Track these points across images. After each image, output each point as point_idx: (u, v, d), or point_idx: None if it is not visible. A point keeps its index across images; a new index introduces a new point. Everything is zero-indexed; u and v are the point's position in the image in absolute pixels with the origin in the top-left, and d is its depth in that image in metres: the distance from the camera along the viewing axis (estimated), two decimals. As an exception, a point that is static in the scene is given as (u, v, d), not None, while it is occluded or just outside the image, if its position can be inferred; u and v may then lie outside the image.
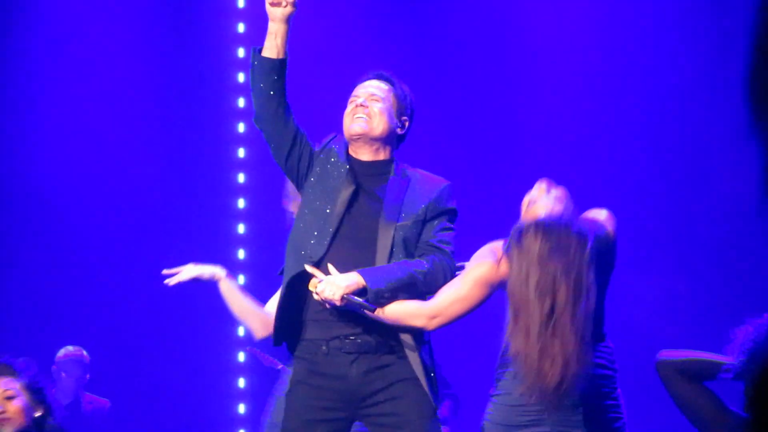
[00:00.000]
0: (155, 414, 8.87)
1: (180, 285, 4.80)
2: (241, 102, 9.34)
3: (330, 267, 4.14)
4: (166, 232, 9.02)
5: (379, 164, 4.44)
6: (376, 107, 4.43)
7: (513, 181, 6.03)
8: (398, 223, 4.28)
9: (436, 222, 4.34)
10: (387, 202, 4.32)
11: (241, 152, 9.30)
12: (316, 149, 4.46)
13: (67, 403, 7.98)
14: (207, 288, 4.88)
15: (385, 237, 4.25)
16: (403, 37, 8.78)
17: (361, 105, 4.43)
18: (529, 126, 8.67)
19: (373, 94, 4.47)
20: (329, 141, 4.49)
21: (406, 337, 4.20)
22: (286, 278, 4.27)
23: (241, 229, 9.26)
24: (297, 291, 4.24)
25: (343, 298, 4.08)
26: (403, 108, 4.51)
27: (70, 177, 8.98)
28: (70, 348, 8.28)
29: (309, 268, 4.14)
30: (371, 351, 4.20)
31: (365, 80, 4.55)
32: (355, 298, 4.08)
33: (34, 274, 8.99)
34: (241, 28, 9.39)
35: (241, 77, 9.37)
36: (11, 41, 9.06)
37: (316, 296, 4.12)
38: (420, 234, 4.31)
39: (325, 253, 4.21)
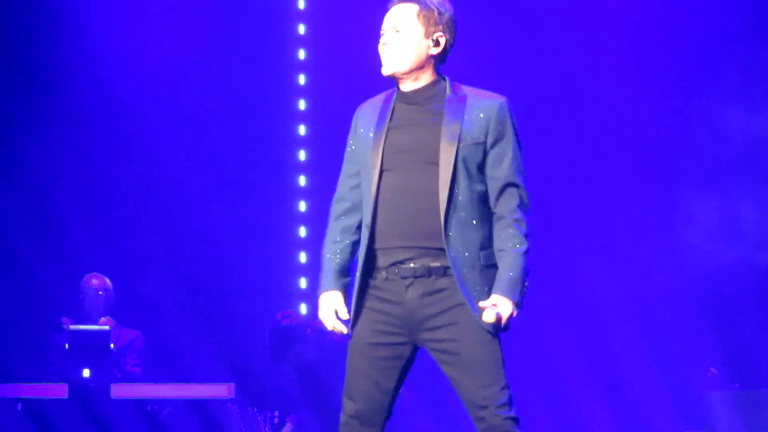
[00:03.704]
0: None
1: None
2: (302, 104, 9.53)
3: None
4: (233, 213, 9.35)
5: (424, 89, 4.33)
6: (400, 41, 4.31)
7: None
8: (460, 143, 4.19)
9: (502, 145, 4.26)
10: (447, 122, 4.22)
11: (302, 155, 9.54)
12: (354, 136, 4.44)
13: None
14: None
15: (448, 156, 4.18)
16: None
17: (384, 43, 4.35)
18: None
19: (392, 25, 4.34)
20: (356, 118, 4.46)
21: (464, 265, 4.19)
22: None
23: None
24: (363, 235, 4.28)
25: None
26: (433, 25, 4.32)
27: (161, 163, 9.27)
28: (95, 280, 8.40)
29: None
30: (425, 275, 4.17)
31: (389, 7, 4.40)
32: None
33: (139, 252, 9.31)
34: (301, 29, 9.58)
35: (301, 79, 9.55)
36: (93, 46, 9.28)
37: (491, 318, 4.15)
38: (485, 157, 4.24)
39: (377, 191, 4.23)
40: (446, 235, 4.17)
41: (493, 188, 4.27)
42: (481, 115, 4.26)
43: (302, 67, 9.57)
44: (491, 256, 4.24)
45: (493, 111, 4.28)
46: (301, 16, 9.60)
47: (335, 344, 7.51)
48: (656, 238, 9.02)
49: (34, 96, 9.27)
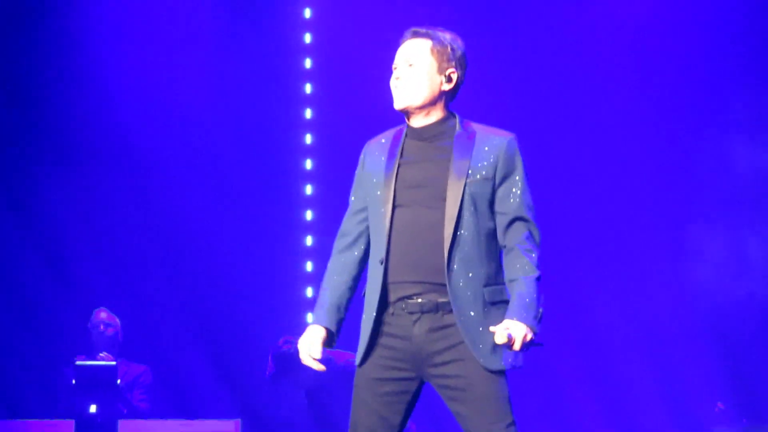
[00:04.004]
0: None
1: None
2: (308, 113, 9.54)
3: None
4: (240, 220, 9.35)
5: (435, 125, 4.33)
6: (413, 76, 4.31)
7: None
8: (467, 179, 4.19)
9: (511, 181, 4.27)
10: (455, 159, 4.22)
11: (309, 163, 9.53)
12: (361, 172, 4.43)
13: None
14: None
15: (455, 192, 4.18)
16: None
17: (397, 77, 4.33)
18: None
19: (405, 59, 4.33)
20: (364, 155, 4.44)
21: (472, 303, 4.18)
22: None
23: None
24: (373, 270, 4.27)
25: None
26: (446, 61, 4.33)
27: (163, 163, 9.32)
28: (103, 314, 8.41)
29: None
30: (432, 310, 4.16)
31: (402, 41, 4.39)
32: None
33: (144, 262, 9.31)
34: (308, 38, 9.59)
35: (308, 88, 9.56)
36: (90, 52, 9.30)
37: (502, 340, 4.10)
38: (493, 193, 4.24)
39: (390, 226, 4.23)
40: (449, 270, 4.16)
41: (501, 223, 4.26)
42: (490, 151, 4.26)
43: (309, 75, 9.59)
44: (498, 293, 4.23)
45: (502, 148, 4.28)
46: (308, 26, 9.62)
47: (337, 372, 7.52)
48: (664, 272, 9.01)
49: (44, 130, 9.31)
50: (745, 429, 7.85)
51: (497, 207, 4.26)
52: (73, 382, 7.84)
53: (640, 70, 9.03)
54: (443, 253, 4.17)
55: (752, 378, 8.55)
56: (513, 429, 4.15)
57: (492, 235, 4.26)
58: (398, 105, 4.33)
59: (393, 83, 4.35)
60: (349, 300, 4.41)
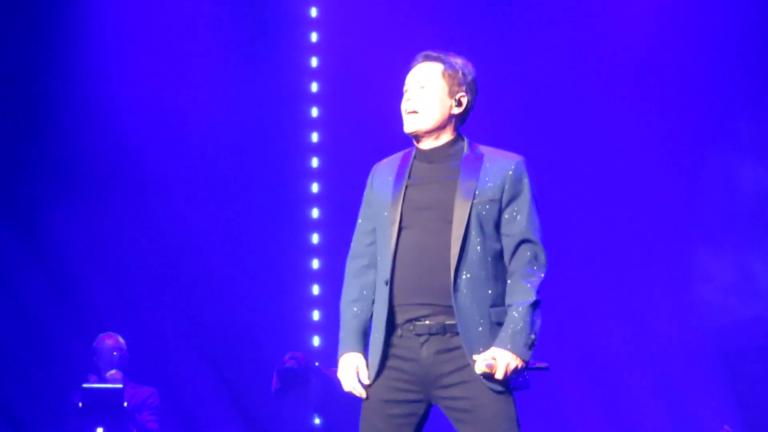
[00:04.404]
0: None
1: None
2: (315, 112, 9.54)
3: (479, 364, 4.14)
4: (245, 219, 9.39)
5: (443, 148, 4.35)
6: (424, 99, 4.33)
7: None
8: (474, 200, 4.21)
9: (518, 203, 4.27)
10: (462, 180, 4.24)
11: (315, 162, 9.53)
12: (368, 194, 4.46)
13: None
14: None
15: (461, 213, 4.19)
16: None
17: (408, 99, 4.35)
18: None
19: (418, 82, 4.36)
20: (372, 177, 4.47)
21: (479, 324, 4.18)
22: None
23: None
24: (380, 291, 4.27)
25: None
26: (457, 85, 4.37)
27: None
28: (108, 339, 8.39)
29: None
30: (440, 333, 4.18)
31: (414, 65, 4.42)
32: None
33: (144, 262, 9.34)
34: (314, 37, 9.59)
35: (314, 86, 9.56)
36: (96, 54, 9.34)
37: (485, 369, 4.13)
38: (500, 215, 4.25)
39: (396, 247, 4.24)
40: (455, 290, 4.17)
41: (508, 245, 4.27)
42: (497, 173, 4.28)
43: (315, 74, 9.60)
44: (504, 314, 4.22)
45: (509, 169, 4.29)
46: (314, 25, 9.63)
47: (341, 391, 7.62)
48: (670, 294, 8.99)
49: (47, 146, 9.33)
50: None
51: (503, 229, 4.28)
52: (80, 405, 7.84)
53: (648, 92, 9.04)
54: (450, 274, 4.18)
55: (759, 400, 8.54)
56: (521, 449, 4.16)
57: (499, 256, 4.27)
58: (409, 129, 4.36)
59: (404, 105, 4.37)
60: (369, 323, 4.41)
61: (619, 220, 9.00)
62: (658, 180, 9.02)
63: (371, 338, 4.31)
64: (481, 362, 4.14)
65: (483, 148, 4.38)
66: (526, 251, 4.26)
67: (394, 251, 4.25)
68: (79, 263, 9.19)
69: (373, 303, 4.38)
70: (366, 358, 4.34)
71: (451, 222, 4.21)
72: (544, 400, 8.50)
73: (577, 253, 8.87)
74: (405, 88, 4.39)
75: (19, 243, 9.17)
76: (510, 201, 4.28)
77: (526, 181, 4.31)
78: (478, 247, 4.21)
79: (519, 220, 4.27)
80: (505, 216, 4.28)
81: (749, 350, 8.77)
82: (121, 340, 8.46)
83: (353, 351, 4.35)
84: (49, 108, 9.32)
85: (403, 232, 4.26)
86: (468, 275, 4.19)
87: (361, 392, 4.31)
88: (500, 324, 4.20)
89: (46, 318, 9.09)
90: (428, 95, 4.34)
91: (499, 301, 4.24)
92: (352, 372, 4.32)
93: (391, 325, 4.26)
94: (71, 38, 9.37)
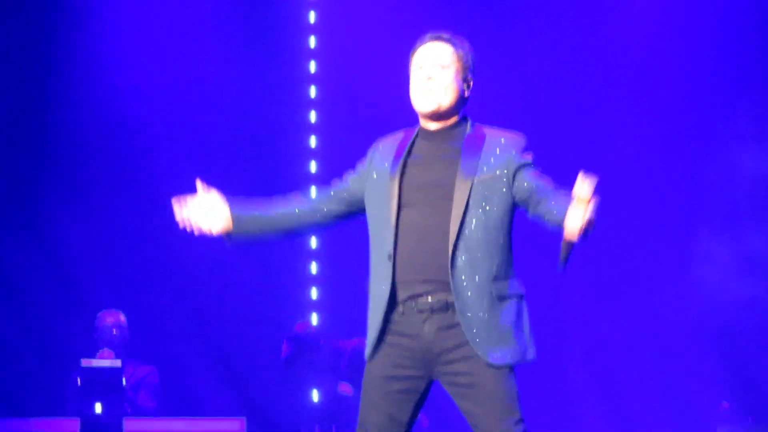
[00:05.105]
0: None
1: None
2: (313, 116, 9.57)
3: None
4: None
5: (448, 128, 4.35)
6: (445, 78, 4.33)
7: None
8: (476, 178, 4.21)
9: (525, 170, 4.26)
10: (464, 159, 4.23)
11: (313, 166, 9.55)
12: (363, 169, 4.45)
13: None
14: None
15: (462, 193, 4.18)
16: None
17: (429, 78, 4.33)
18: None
19: (438, 61, 4.34)
20: (372, 152, 4.46)
21: (482, 299, 4.16)
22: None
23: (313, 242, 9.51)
24: (380, 266, 4.26)
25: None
26: (467, 69, 4.38)
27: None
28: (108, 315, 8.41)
29: None
30: (442, 310, 4.16)
31: (424, 43, 4.39)
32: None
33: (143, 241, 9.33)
34: (312, 42, 9.62)
35: (312, 91, 9.58)
36: (95, 54, 9.33)
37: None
38: (508, 186, 4.23)
39: (397, 224, 4.22)
40: (452, 267, 4.16)
41: (525, 192, 4.24)
42: (500, 151, 4.28)
43: (313, 79, 9.61)
44: (505, 288, 4.21)
45: (511, 146, 4.30)
46: (312, 29, 9.64)
47: (348, 353, 7.64)
48: (671, 274, 9.02)
49: (45, 132, 9.33)
50: (750, 428, 7.86)
51: (516, 190, 4.25)
52: (79, 383, 7.85)
53: (646, 75, 9.04)
54: (448, 252, 4.18)
55: (758, 377, 8.57)
56: (522, 426, 4.15)
57: (500, 231, 4.25)
58: (429, 107, 4.33)
59: (424, 83, 4.33)
60: (260, 217, 4.46)
61: (620, 202, 9.01)
62: (657, 162, 9.03)
63: (370, 312, 4.29)
64: (573, 215, 4.01)
65: (485, 128, 4.37)
66: (549, 185, 4.23)
67: (396, 228, 4.23)
68: (78, 242, 9.19)
69: (286, 214, 4.43)
70: (232, 214, 4.45)
71: (451, 201, 4.20)
72: (543, 377, 8.52)
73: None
74: (419, 65, 4.35)
75: (15, 223, 9.16)
76: (516, 170, 4.25)
77: (530, 155, 4.31)
78: (479, 225, 4.20)
79: (530, 175, 4.26)
80: (516, 182, 4.25)
81: (748, 328, 8.80)
82: (123, 317, 8.46)
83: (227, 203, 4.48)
84: (45, 90, 9.31)
85: (403, 210, 4.25)
86: (467, 252, 4.17)
87: (182, 207, 4.56)
88: (500, 299, 4.18)
89: (43, 297, 9.08)
90: (448, 75, 4.32)
91: (500, 275, 4.22)
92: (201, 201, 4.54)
93: (392, 302, 4.24)
94: (74, 38, 9.35)
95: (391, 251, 4.23)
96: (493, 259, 4.21)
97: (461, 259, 4.17)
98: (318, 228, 4.57)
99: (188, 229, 4.53)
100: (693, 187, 9.05)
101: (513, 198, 4.26)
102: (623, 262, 8.98)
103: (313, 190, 4.54)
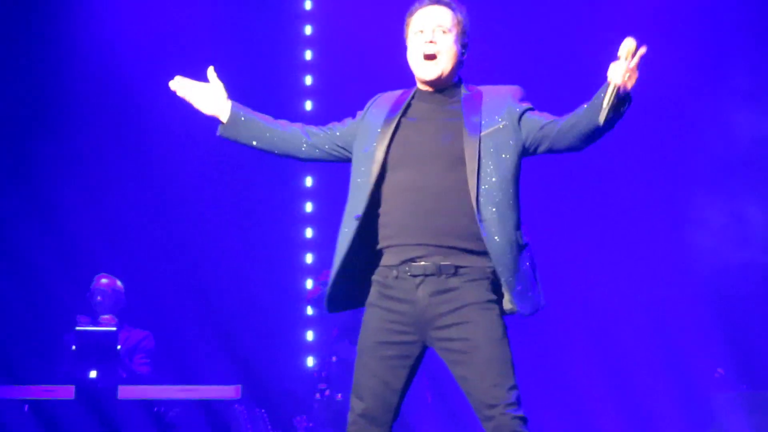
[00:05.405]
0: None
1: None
2: (309, 105, 9.58)
3: None
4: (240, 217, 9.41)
5: (447, 90, 4.37)
6: (446, 42, 4.35)
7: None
8: (482, 134, 4.23)
9: (527, 114, 4.30)
10: (467, 118, 4.24)
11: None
12: (356, 120, 4.49)
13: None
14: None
15: (472, 147, 4.19)
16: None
17: (431, 42, 4.33)
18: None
19: (440, 25, 4.35)
20: (370, 104, 4.48)
21: (481, 261, 4.19)
22: (347, 228, 4.28)
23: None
24: (364, 234, 4.25)
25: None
26: (465, 33, 4.40)
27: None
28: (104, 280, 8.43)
29: None
30: (435, 273, 4.16)
31: (424, 6, 4.41)
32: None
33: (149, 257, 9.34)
34: (308, 30, 9.62)
35: (308, 79, 9.58)
36: (101, 48, 9.34)
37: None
38: (515, 135, 4.26)
39: (380, 185, 4.24)
40: (481, 221, 4.15)
41: (536, 128, 4.27)
42: (499, 103, 4.30)
43: (309, 67, 9.58)
44: (522, 236, 4.23)
45: (509, 97, 4.33)
46: (308, 17, 9.63)
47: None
48: (665, 240, 9.02)
49: (41, 95, 9.30)
50: (744, 394, 7.87)
51: (530, 134, 4.28)
52: (74, 347, 7.85)
53: (640, 38, 9.00)
54: (451, 215, 4.18)
55: (752, 344, 8.58)
56: (516, 392, 4.15)
57: (513, 182, 4.27)
58: (432, 75, 4.33)
59: (426, 47, 4.33)
60: (258, 127, 4.72)
61: (614, 167, 9.00)
62: (652, 127, 9.00)
63: (374, 274, 4.27)
64: (617, 66, 4.11)
65: (480, 87, 4.40)
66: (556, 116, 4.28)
67: (373, 189, 4.24)
68: (74, 207, 9.19)
69: (276, 132, 4.67)
70: (234, 108, 4.76)
71: (458, 159, 4.20)
72: (538, 345, 8.53)
73: (573, 199, 8.88)
74: (419, 29, 4.35)
75: (10, 186, 9.14)
76: (521, 115, 4.30)
77: (527, 102, 4.35)
78: (495, 176, 4.20)
79: (536, 113, 4.31)
80: (523, 128, 4.28)
81: (742, 294, 8.81)
82: (119, 283, 8.46)
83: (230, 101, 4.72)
84: (40, 51, 9.28)
85: (389, 171, 4.26)
86: (493, 206, 4.17)
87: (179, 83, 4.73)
88: (520, 247, 4.20)
89: (37, 260, 9.08)
90: (449, 40, 4.34)
91: (519, 223, 4.24)
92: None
93: (382, 266, 4.25)
94: (71, 22, 9.37)
95: (360, 213, 4.24)
96: (513, 209, 4.24)
97: (490, 211, 4.17)
98: (302, 158, 4.65)
99: (178, 94, 4.76)
100: (688, 150, 9.04)
101: (524, 144, 4.29)
102: (618, 227, 8.97)
103: (316, 126, 4.63)
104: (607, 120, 4.10)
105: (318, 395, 8.20)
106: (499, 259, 4.15)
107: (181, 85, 4.68)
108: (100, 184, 9.33)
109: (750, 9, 8.99)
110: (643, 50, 4.13)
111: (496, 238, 4.15)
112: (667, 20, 9.04)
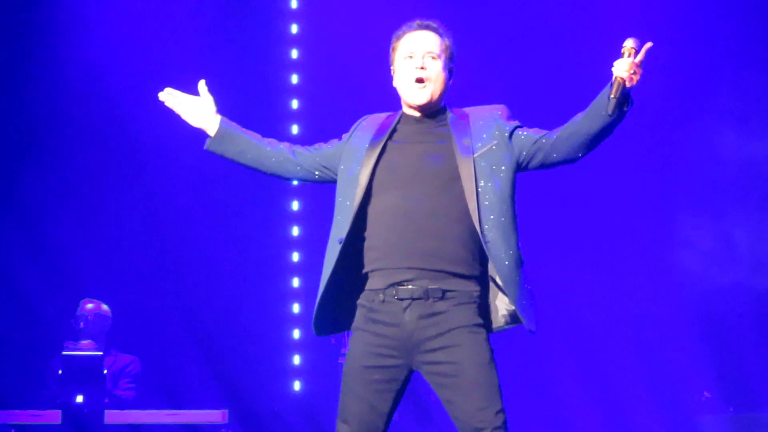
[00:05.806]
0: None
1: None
2: (295, 104, 9.53)
3: None
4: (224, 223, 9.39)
5: (434, 114, 4.39)
6: (436, 68, 4.38)
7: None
8: (475, 155, 4.24)
9: (517, 130, 4.33)
10: (457, 140, 4.26)
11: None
12: (342, 142, 4.48)
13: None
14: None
15: (467, 168, 4.21)
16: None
17: (423, 68, 4.36)
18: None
19: (429, 51, 4.38)
20: (356, 126, 4.49)
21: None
22: (332, 254, 4.28)
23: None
24: (351, 257, 4.25)
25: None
26: (452, 58, 4.43)
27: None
28: (90, 305, 8.40)
29: None
30: (423, 297, 4.16)
31: (413, 31, 4.44)
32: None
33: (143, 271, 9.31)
34: (294, 29, 9.57)
35: (294, 78, 9.53)
36: (86, 46, 9.30)
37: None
38: (508, 154, 4.29)
39: (365, 209, 4.26)
40: (485, 242, 4.17)
41: (529, 143, 4.31)
42: (487, 123, 4.33)
43: (295, 66, 9.56)
44: (520, 253, 4.25)
45: (496, 115, 4.37)
46: (294, 16, 9.60)
47: None
48: (652, 261, 9.03)
49: (31, 118, 9.29)
50: (731, 417, 7.87)
51: (523, 150, 4.32)
52: (60, 372, 7.82)
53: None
54: (453, 234, 4.20)
55: (738, 367, 8.58)
56: (502, 416, 4.14)
57: (510, 200, 4.29)
58: (422, 100, 4.37)
59: (417, 73, 4.36)
60: (245, 144, 4.62)
61: (602, 188, 9.01)
62: (640, 148, 9.02)
63: (359, 298, 4.28)
64: (621, 62, 4.17)
65: (464, 110, 4.42)
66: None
67: (359, 213, 4.24)
68: (62, 231, 9.17)
69: (261, 148, 4.58)
70: (220, 125, 4.72)
71: (451, 182, 4.22)
72: (526, 364, 8.52)
73: (561, 221, 8.88)
74: (408, 53, 4.39)
75: (1, 213, 9.12)
76: (511, 133, 4.33)
77: (515, 120, 4.39)
78: (493, 195, 4.22)
79: (527, 129, 4.36)
80: (515, 144, 4.32)
81: (730, 317, 8.81)
82: (105, 307, 8.44)
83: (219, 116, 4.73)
84: (30, 73, 9.27)
85: (375, 195, 4.26)
86: (495, 227, 4.19)
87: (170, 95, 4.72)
88: (520, 263, 4.23)
89: (26, 285, 9.05)
90: (438, 66, 4.37)
91: (518, 241, 4.26)
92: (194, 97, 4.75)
93: (369, 290, 4.25)
94: (59, 24, 9.34)
95: (344, 237, 4.24)
96: (513, 227, 4.27)
97: (493, 231, 4.19)
98: (288, 177, 4.62)
99: (167, 105, 4.75)
100: (675, 172, 9.05)
101: (518, 160, 4.32)
102: (605, 248, 8.98)
103: (303, 146, 4.60)
104: (611, 115, 4.20)
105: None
106: (506, 277, 4.18)
107: (170, 96, 4.58)
108: (88, 209, 9.31)
109: (737, 32, 9.02)
110: (648, 45, 4.19)
111: (502, 256, 4.18)
112: (654, 42, 9.06)
